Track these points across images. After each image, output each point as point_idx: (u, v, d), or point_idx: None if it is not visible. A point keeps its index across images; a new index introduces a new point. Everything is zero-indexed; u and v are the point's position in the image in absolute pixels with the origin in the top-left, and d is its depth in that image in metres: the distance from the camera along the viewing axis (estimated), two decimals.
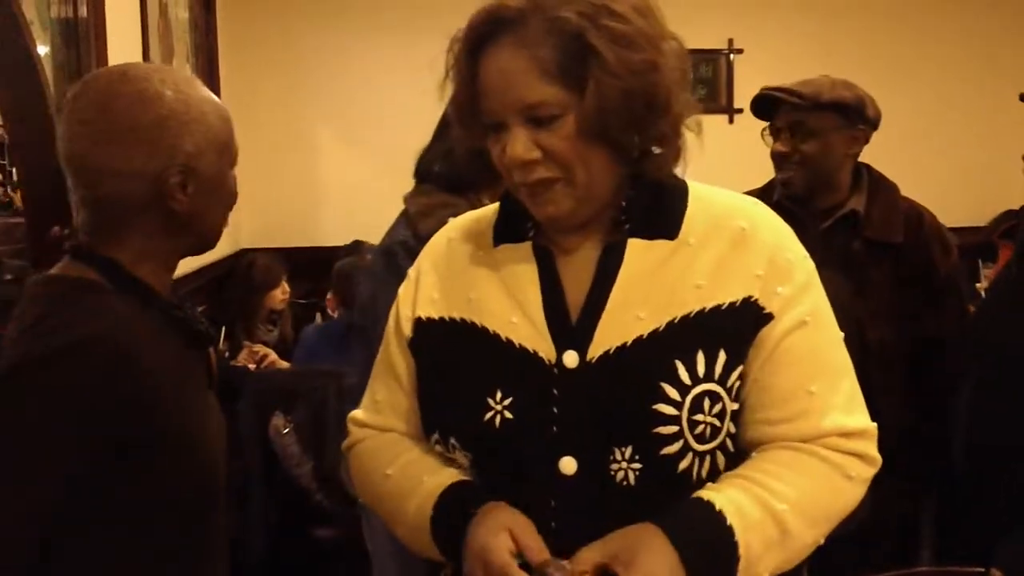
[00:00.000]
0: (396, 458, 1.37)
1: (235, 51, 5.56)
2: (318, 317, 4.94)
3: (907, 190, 2.47)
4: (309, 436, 3.21)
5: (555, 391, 1.24)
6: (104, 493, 1.27)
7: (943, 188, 6.24)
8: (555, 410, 1.24)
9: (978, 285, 5.40)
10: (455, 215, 1.98)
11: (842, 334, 1.33)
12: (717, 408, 1.22)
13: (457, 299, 1.36)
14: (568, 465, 1.23)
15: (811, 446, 1.25)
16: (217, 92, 5.03)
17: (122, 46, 3.28)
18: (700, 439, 1.21)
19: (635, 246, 1.28)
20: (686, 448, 1.21)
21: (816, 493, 1.24)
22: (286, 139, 5.84)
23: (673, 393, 1.21)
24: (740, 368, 1.24)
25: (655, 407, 1.20)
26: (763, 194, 2.30)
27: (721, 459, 1.25)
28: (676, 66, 1.24)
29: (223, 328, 3.95)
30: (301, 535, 3.48)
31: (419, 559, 1.37)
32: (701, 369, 1.22)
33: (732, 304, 1.25)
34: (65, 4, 2.95)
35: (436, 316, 1.37)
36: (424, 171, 2.14)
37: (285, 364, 3.97)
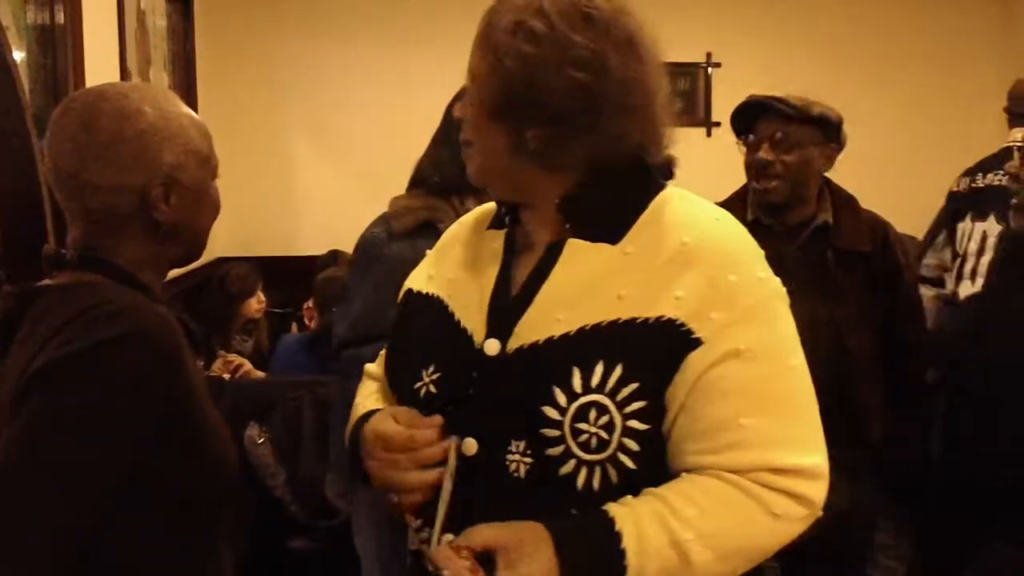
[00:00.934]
0: (364, 399, 1.53)
1: (213, 59, 5.54)
2: (294, 327, 4.92)
3: (881, 202, 2.51)
4: (284, 447, 3.20)
5: (474, 374, 1.30)
6: (146, 484, 1.29)
7: (916, 200, 6.30)
8: (470, 392, 1.30)
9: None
10: (433, 218, 2.05)
11: (800, 364, 1.26)
12: (604, 420, 1.21)
13: (443, 278, 1.45)
14: (470, 446, 1.28)
15: (738, 478, 1.20)
16: (194, 100, 5.03)
17: (99, 53, 3.27)
18: (585, 448, 1.22)
19: (574, 247, 1.31)
20: (569, 454, 1.22)
21: (732, 528, 1.20)
22: (263, 148, 5.83)
23: (561, 398, 1.22)
24: (635, 385, 1.21)
25: (542, 408, 1.23)
26: (733, 204, 2.33)
27: (613, 473, 1.22)
28: (619, 77, 1.25)
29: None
30: (276, 546, 3.46)
31: (401, 562, 1.43)
32: (595, 380, 1.22)
33: (646, 320, 1.23)
34: (42, 10, 2.94)
35: (422, 291, 1.48)
36: (415, 177, 2.19)
37: (260, 374, 3.96)
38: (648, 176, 1.34)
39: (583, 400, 1.22)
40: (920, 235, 5.42)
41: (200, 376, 1.41)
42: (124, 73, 3.61)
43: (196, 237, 1.52)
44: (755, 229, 2.30)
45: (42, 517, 1.20)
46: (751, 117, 2.43)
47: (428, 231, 2.04)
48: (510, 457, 1.25)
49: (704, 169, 2.45)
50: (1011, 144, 4.20)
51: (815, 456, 1.24)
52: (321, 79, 5.83)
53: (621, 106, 1.26)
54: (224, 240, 5.34)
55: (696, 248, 1.26)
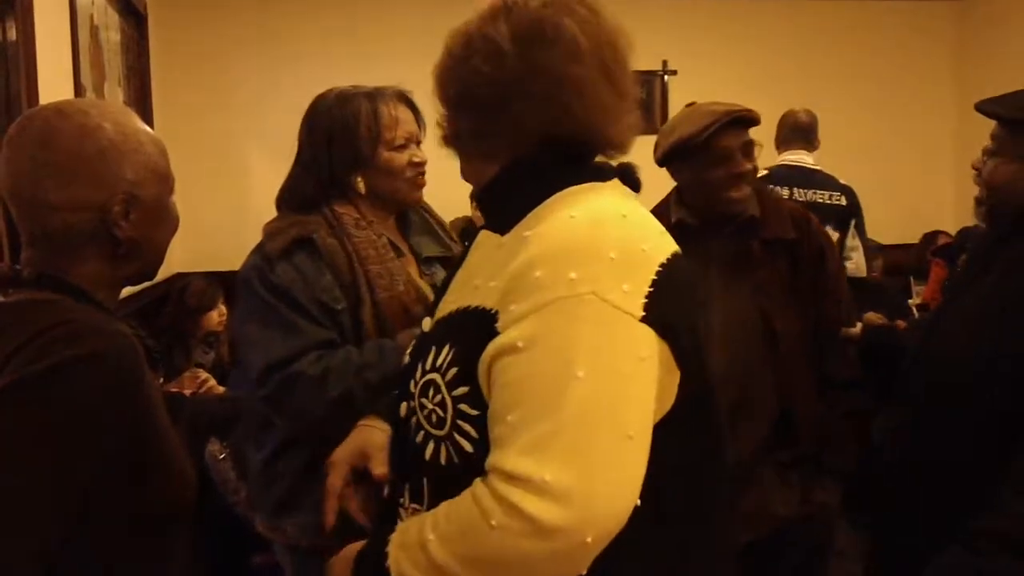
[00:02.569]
0: None
1: (168, 74, 5.51)
2: None
3: None
4: (245, 462, 3.17)
5: (414, 346, 1.46)
6: (104, 504, 1.28)
7: (875, 208, 6.39)
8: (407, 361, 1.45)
9: (910, 301, 5.52)
10: (305, 232, 2.08)
11: (587, 377, 1.16)
12: (438, 398, 1.30)
13: None
14: (403, 409, 1.41)
15: (479, 481, 1.20)
16: (149, 115, 4.99)
17: (52, 69, 3.23)
18: (429, 422, 1.32)
19: (482, 237, 1.42)
20: (420, 425, 1.34)
21: (462, 534, 1.19)
22: (220, 162, 5.80)
23: (418, 374, 1.35)
24: (456, 369, 1.28)
25: (409, 381, 1.38)
26: (659, 209, 2.37)
27: (454, 451, 1.29)
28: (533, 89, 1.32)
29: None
30: (239, 562, 3.43)
31: None
32: (437, 360, 1.31)
33: (476, 308, 1.29)
34: None
35: None
36: (281, 200, 2.23)
37: (221, 388, 3.92)
38: (562, 170, 1.35)
39: (427, 377, 1.32)
40: (874, 235, 5.51)
41: (158, 394, 1.40)
42: (79, 89, 3.58)
43: (154, 254, 1.51)
44: (681, 230, 2.39)
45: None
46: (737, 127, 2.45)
47: (303, 246, 2.07)
48: (410, 421, 1.39)
49: (661, 175, 2.47)
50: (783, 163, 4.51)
51: (552, 471, 1.13)
52: (277, 92, 5.81)
53: (524, 92, 1.32)
54: (182, 255, 5.30)
55: (528, 241, 1.27)
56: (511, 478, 1.15)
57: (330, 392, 1.97)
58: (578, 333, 1.18)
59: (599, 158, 1.43)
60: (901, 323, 4.19)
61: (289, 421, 2.08)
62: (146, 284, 1.56)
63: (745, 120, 2.43)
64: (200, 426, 3.21)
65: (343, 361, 1.99)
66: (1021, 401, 1.79)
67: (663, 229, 1.38)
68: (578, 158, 1.38)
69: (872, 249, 5.13)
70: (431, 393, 1.31)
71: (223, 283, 4.70)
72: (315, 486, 2.03)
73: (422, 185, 2.21)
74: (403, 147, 2.16)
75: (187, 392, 3.67)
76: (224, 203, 5.81)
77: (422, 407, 1.33)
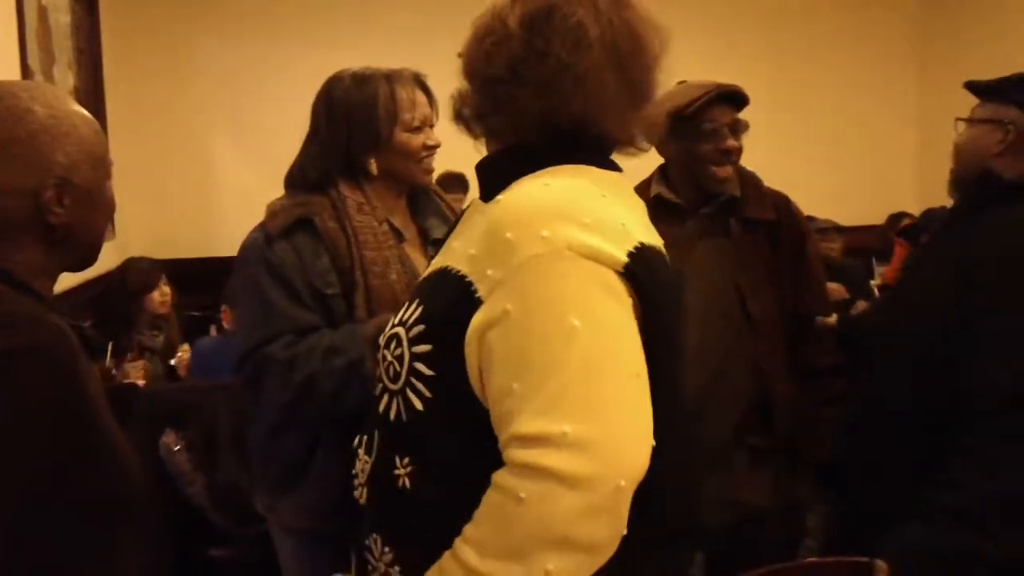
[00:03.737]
0: None
1: (121, 57, 5.42)
2: (212, 330, 4.83)
3: (805, 192, 2.57)
4: (201, 453, 3.14)
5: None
6: (43, 497, 1.25)
7: (839, 189, 6.43)
8: None
9: (873, 282, 5.57)
10: (307, 213, 2.09)
11: (582, 326, 1.17)
12: (398, 351, 1.31)
13: None
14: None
15: (496, 474, 1.19)
16: (102, 99, 4.90)
17: None
18: (387, 375, 1.34)
19: (471, 205, 1.46)
20: (380, 377, 1.36)
21: (494, 527, 1.17)
22: (176, 147, 5.72)
23: (387, 328, 1.38)
24: (422, 327, 1.29)
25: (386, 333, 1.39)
26: (641, 189, 2.36)
27: (404, 407, 1.30)
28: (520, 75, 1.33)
29: (110, 344, 3.84)
30: (196, 554, 3.39)
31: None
32: (406, 316, 1.33)
33: (448, 271, 1.31)
34: None
35: None
36: (290, 178, 2.22)
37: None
38: (556, 152, 1.35)
39: (393, 331, 1.34)
40: (836, 216, 5.53)
41: (97, 384, 1.36)
42: (26, 72, 3.49)
43: (91, 240, 1.46)
44: (658, 205, 2.38)
45: None
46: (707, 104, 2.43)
47: (304, 226, 2.08)
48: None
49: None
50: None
51: (571, 423, 1.13)
52: (235, 75, 5.74)
53: (524, 77, 1.33)
54: (138, 242, 5.22)
55: (498, 206, 1.28)
56: (530, 441, 1.14)
57: (295, 376, 1.99)
58: (563, 287, 1.19)
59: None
60: (862, 303, 4.22)
61: (261, 405, 2.12)
62: (98, 273, 1.52)
63: (735, 97, 2.43)
64: (155, 417, 3.17)
65: (311, 346, 2.01)
66: (965, 377, 1.81)
67: (651, 228, 1.38)
68: (577, 144, 1.36)
69: (832, 231, 5.41)
70: (393, 346, 1.33)
71: (181, 271, 4.65)
72: (311, 468, 2.09)
73: (432, 169, 2.23)
74: (419, 129, 2.17)
75: (140, 382, 3.61)
76: (182, 189, 5.74)
77: (384, 359, 1.34)
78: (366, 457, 1.39)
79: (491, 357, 1.21)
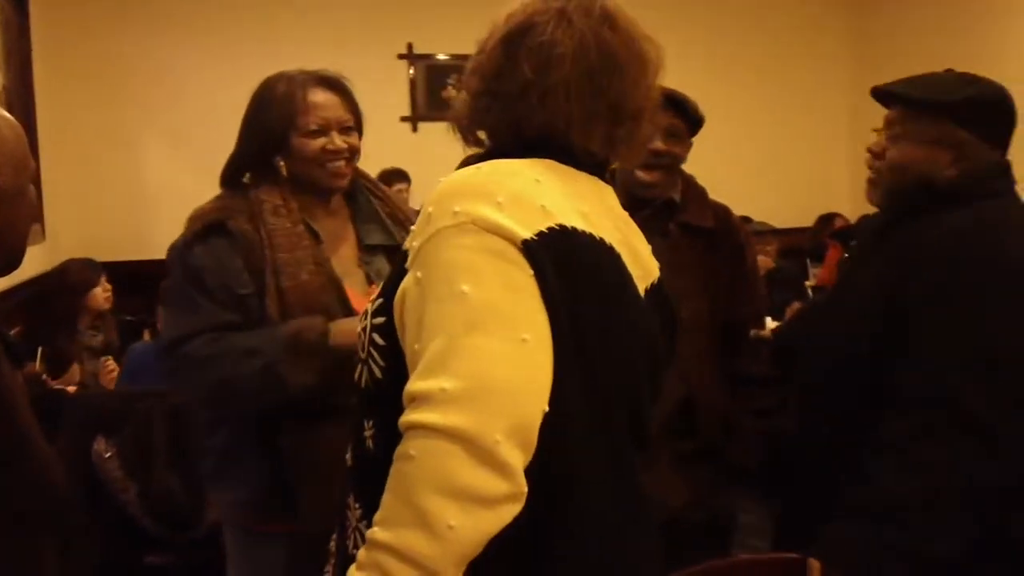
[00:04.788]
0: None
1: (51, 56, 5.32)
2: (146, 334, 4.76)
3: (739, 196, 2.59)
4: (134, 460, 3.09)
5: None
6: None
7: (770, 190, 6.52)
8: None
9: (807, 283, 5.65)
10: (221, 217, 2.10)
11: (471, 292, 1.22)
12: (365, 323, 1.39)
13: None
14: None
15: (397, 447, 1.23)
16: (32, 98, 4.81)
17: None
18: (360, 345, 1.40)
19: None
20: (357, 348, 1.41)
21: (394, 496, 1.21)
22: (108, 146, 5.63)
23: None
24: (380, 301, 1.36)
25: None
26: None
27: (367, 375, 1.37)
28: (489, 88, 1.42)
29: (39, 349, 3.77)
30: (131, 562, 3.34)
31: None
32: (377, 292, 1.40)
33: (397, 247, 1.41)
34: None
35: None
36: (221, 179, 2.23)
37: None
38: (526, 155, 1.39)
39: (367, 306, 1.40)
40: (769, 218, 5.60)
41: (17, 392, 1.35)
42: None
43: (14, 243, 1.45)
44: None
45: None
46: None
47: (219, 230, 2.09)
48: None
49: None
50: None
51: (448, 380, 1.19)
52: (168, 75, 5.67)
53: (495, 90, 1.41)
54: (71, 245, 5.13)
55: (438, 186, 1.34)
56: (416, 400, 1.20)
57: (210, 376, 2.02)
58: (458, 256, 1.25)
59: None
60: (796, 304, 4.28)
61: (181, 399, 2.23)
62: (29, 276, 1.49)
63: (675, 102, 2.42)
64: (86, 424, 3.11)
65: (229, 347, 2.02)
66: (886, 375, 1.85)
67: (590, 217, 1.38)
68: (546, 150, 1.41)
69: (765, 233, 5.50)
70: (363, 318, 1.41)
71: (115, 274, 4.58)
72: (239, 464, 2.11)
73: (343, 173, 2.19)
74: (317, 133, 2.14)
75: (70, 388, 3.55)
76: (116, 190, 5.65)
77: (363, 331, 1.40)
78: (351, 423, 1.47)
79: (405, 321, 1.30)
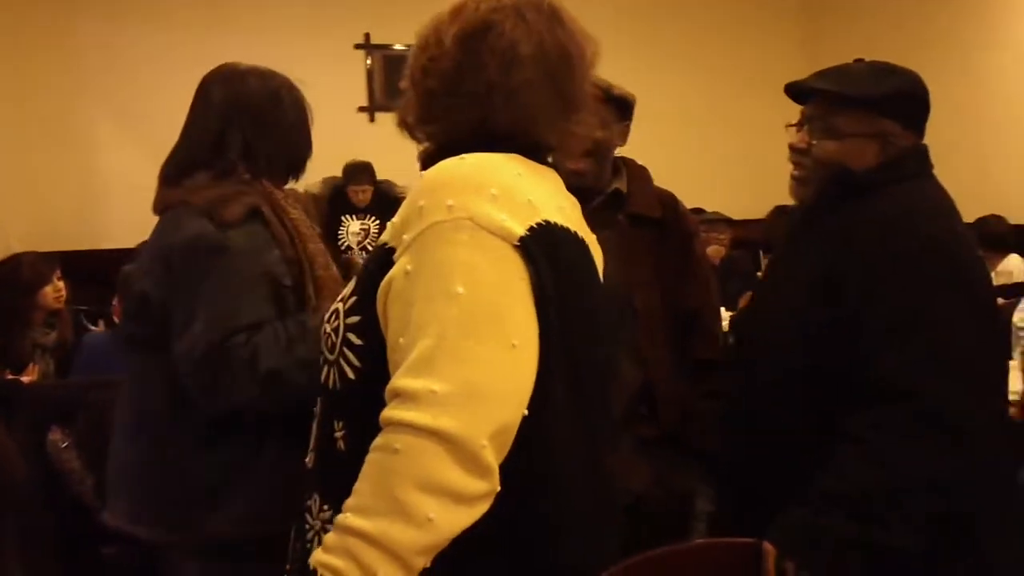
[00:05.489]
0: None
1: (2, 42, 5.25)
2: (101, 324, 4.72)
3: (693, 187, 2.61)
4: (91, 451, 3.06)
5: None
6: None
7: (726, 182, 6.57)
8: None
9: (760, 273, 5.72)
10: (256, 203, 2.06)
11: (466, 294, 1.24)
12: (335, 324, 1.39)
13: None
14: None
15: (375, 440, 1.24)
16: None
17: None
18: (326, 346, 1.41)
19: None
20: (322, 348, 1.43)
21: (373, 486, 1.23)
22: (62, 135, 5.57)
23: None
24: (355, 299, 1.37)
25: None
26: None
27: (338, 376, 1.38)
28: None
29: None
30: (89, 554, 3.31)
31: None
32: (347, 291, 1.41)
33: (378, 244, 1.38)
34: None
35: None
36: (189, 161, 2.18)
37: None
38: (488, 149, 1.40)
39: (335, 306, 1.42)
40: (724, 209, 5.65)
41: None
42: None
43: None
44: None
45: None
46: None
47: (258, 216, 2.07)
48: None
49: None
50: None
51: (438, 382, 1.21)
52: (122, 61, 5.63)
53: (456, 90, 1.41)
54: (22, 235, 5.07)
55: (421, 180, 1.36)
56: (404, 397, 1.22)
57: (261, 371, 1.94)
58: (453, 253, 1.26)
59: None
60: (749, 294, 4.32)
61: (222, 402, 2.01)
62: None
63: (596, 93, 2.43)
64: (42, 414, 3.09)
65: (271, 339, 1.98)
66: (854, 367, 1.85)
67: (566, 211, 1.44)
68: (509, 146, 1.42)
69: (718, 222, 5.68)
70: (332, 319, 1.41)
71: (68, 264, 4.53)
72: (251, 474, 2.04)
73: None
74: None
75: (26, 380, 3.52)
76: (68, 179, 5.60)
77: (324, 332, 1.42)
78: (315, 425, 1.47)
79: (390, 313, 1.30)
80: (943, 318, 1.83)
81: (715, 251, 5.53)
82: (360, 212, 6.05)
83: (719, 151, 6.54)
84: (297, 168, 2.24)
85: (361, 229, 6.00)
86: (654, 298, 2.47)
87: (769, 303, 2.13)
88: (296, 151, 2.22)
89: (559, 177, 1.53)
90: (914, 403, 1.78)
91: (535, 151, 1.47)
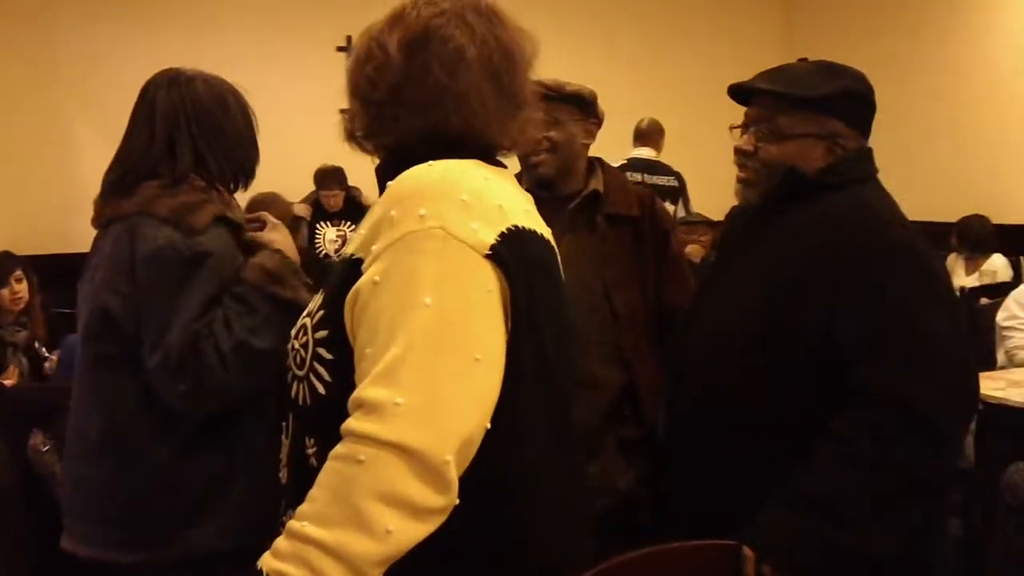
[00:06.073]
0: None
1: None
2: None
3: None
4: None
5: None
6: None
7: (707, 183, 6.58)
8: None
9: None
10: (220, 210, 2.06)
11: (435, 305, 1.24)
12: (304, 339, 1.38)
13: None
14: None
15: (335, 448, 1.24)
16: None
17: None
18: (294, 362, 1.40)
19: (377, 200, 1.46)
20: (288, 366, 1.42)
21: (333, 496, 1.22)
22: (40, 137, 5.56)
23: (299, 319, 1.43)
24: (323, 312, 1.36)
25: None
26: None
27: (308, 392, 1.37)
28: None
29: None
30: (67, 557, 3.29)
31: None
32: (313, 305, 1.41)
33: (345, 257, 1.38)
34: None
35: None
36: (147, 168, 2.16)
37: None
38: (442, 155, 1.39)
39: (301, 321, 1.41)
40: (704, 210, 5.66)
41: None
42: None
43: None
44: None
45: None
46: None
47: (223, 223, 2.07)
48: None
49: None
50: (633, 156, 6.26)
51: (403, 394, 1.21)
52: (103, 63, 5.60)
53: (406, 99, 1.41)
54: (3, 237, 5.04)
55: (388, 188, 1.35)
56: (368, 408, 1.22)
57: (224, 350, 1.93)
58: (423, 264, 1.25)
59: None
60: None
61: (202, 398, 1.98)
62: None
63: (549, 94, 2.42)
64: (21, 418, 3.07)
65: (220, 318, 1.97)
66: (835, 369, 1.84)
67: (531, 213, 1.44)
68: (461, 150, 1.42)
69: (698, 223, 5.92)
70: (300, 335, 1.40)
71: (47, 267, 4.51)
72: (235, 483, 2.04)
73: None
74: None
75: (7, 383, 3.50)
76: (48, 180, 5.58)
77: (292, 348, 1.41)
78: (286, 441, 1.48)
79: (359, 320, 1.29)
80: (924, 320, 1.83)
81: (695, 251, 5.56)
82: (334, 218, 6.04)
83: (698, 151, 6.56)
84: (247, 174, 2.23)
85: (337, 236, 5.98)
86: (634, 298, 2.48)
87: (722, 305, 2.08)
88: (245, 157, 2.20)
89: (514, 178, 1.53)
90: (900, 406, 1.78)
91: (488, 153, 1.47)
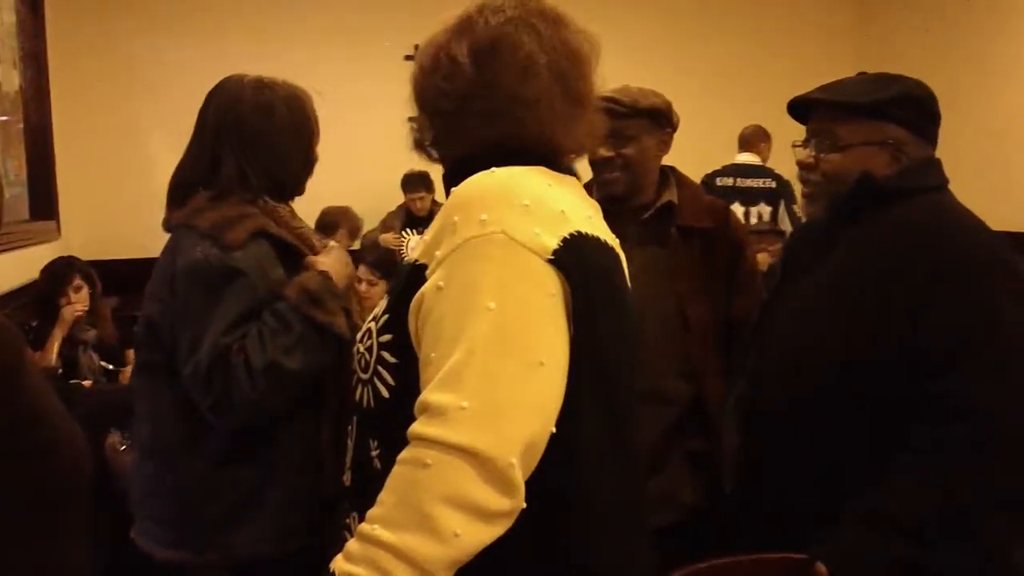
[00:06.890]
0: None
1: (66, 56, 5.36)
2: None
3: None
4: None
5: None
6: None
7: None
8: None
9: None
10: (259, 225, 2.07)
11: (499, 308, 1.24)
12: (368, 343, 1.39)
13: None
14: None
15: (401, 453, 1.24)
16: (47, 99, 4.85)
17: None
18: (359, 365, 1.42)
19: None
20: (353, 370, 1.43)
21: (400, 499, 1.23)
22: (120, 146, 5.67)
23: (364, 324, 1.44)
24: (387, 317, 1.37)
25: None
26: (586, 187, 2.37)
27: (372, 395, 1.39)
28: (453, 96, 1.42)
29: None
30: (143, 557, 3.34)
31: None
32: (379, 310, 1.41)
33: (411, 263, 1.38)
34: None
35: None
36: (197, 182, 2.19)
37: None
38: (509, 162, 1.39)
39: (367, 325, 1.42)
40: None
41: (40, 380, 1.35)
42: None
43: None
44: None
45: None
46: None
47: (261, 237, 2.06)
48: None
49: None
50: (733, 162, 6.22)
51: (467, 398, 1.21)
52: (178, 74, 5.70)
53: (479, 108, 1.41)
54: (81, 242, 5.17)
55: (452, 195, 1.35)
56: (432, 412, 1.22)
57: (256, 368, 1.94)
58: (485, 268, 1.25)
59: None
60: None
61: (234, 412, 1.99)
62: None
63: (612, 108, 2.38)
64: (100, 416, 3.12)
65: (255, 335, 1.97)
66: (910, 385, 1.79)
67: (595, 220, 1.43)
68: (529, 156, 1.41)
69: (767, 233, 5.74)
70: (365, 339, 1.40)
71: (124, 272, 4.59)
72: (272, 488, 2.05)
73: None
74: None
75: (86, 384, 3.57)
76: (126, 189, 5.67)
77: (357, 352, 1.42)
78: (350, 443, 1.47)
79: (423, 327, 1.29)
80: (1009, 334, 1.77)
81: (764, 259, 5.50)
82: (421, 224, 6.02)
83: (771, 161, 6.51)
84: (293, 186, 2.22)
85: (422, 243, 5.91)
86: (704, 310, 2.45)
87: (795, 317, 2.04)
88: (287, 172, 2.19)
89: (581, 185, 1.52)
90: (983, 419, 1.72)
91: (554, 158, 1.45)
